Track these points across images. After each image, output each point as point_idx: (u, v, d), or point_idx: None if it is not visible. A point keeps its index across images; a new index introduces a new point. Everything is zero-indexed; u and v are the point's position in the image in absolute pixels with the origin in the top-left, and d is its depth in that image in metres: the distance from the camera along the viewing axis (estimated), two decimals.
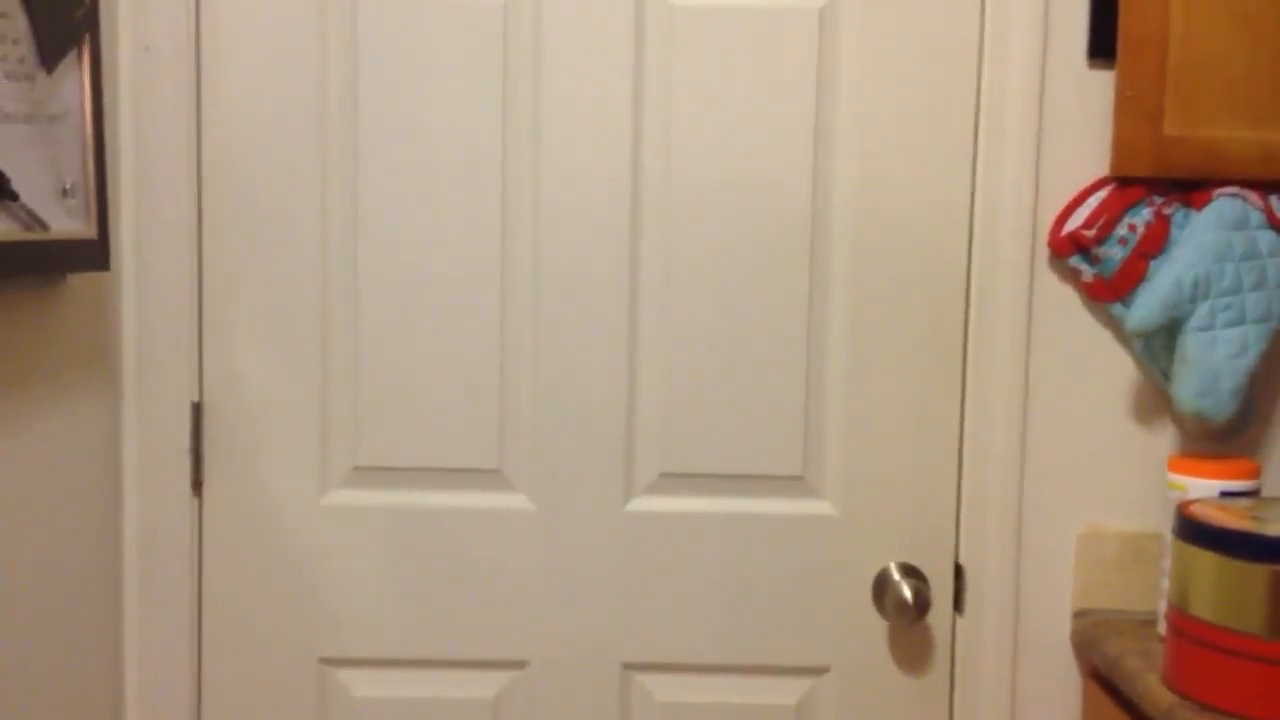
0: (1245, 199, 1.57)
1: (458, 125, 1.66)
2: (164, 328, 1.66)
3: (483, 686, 1.73)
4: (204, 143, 1.66)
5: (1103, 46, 1.62)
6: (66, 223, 1.40)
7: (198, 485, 1.70)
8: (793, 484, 1.71)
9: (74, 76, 1.42)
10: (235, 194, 1.66)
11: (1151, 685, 1.42)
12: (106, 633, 1.65)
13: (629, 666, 1.73)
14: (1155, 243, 1.59)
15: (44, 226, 1.35)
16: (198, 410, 1.69)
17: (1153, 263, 1.60)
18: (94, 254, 1.47)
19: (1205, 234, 1.56)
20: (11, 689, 1.40)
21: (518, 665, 1.73)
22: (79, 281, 1.55)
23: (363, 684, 1.73)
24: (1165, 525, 1.52)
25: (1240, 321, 1.55)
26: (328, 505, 1.70)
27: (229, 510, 1.70)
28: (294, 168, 1.66)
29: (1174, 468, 1.54)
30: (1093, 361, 1.67)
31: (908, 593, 1.66)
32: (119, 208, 1.63)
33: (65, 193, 1.39)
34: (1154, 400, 1.67)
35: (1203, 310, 1.55)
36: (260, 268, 1.67)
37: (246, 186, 1.66)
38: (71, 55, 1.41)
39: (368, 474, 1.70)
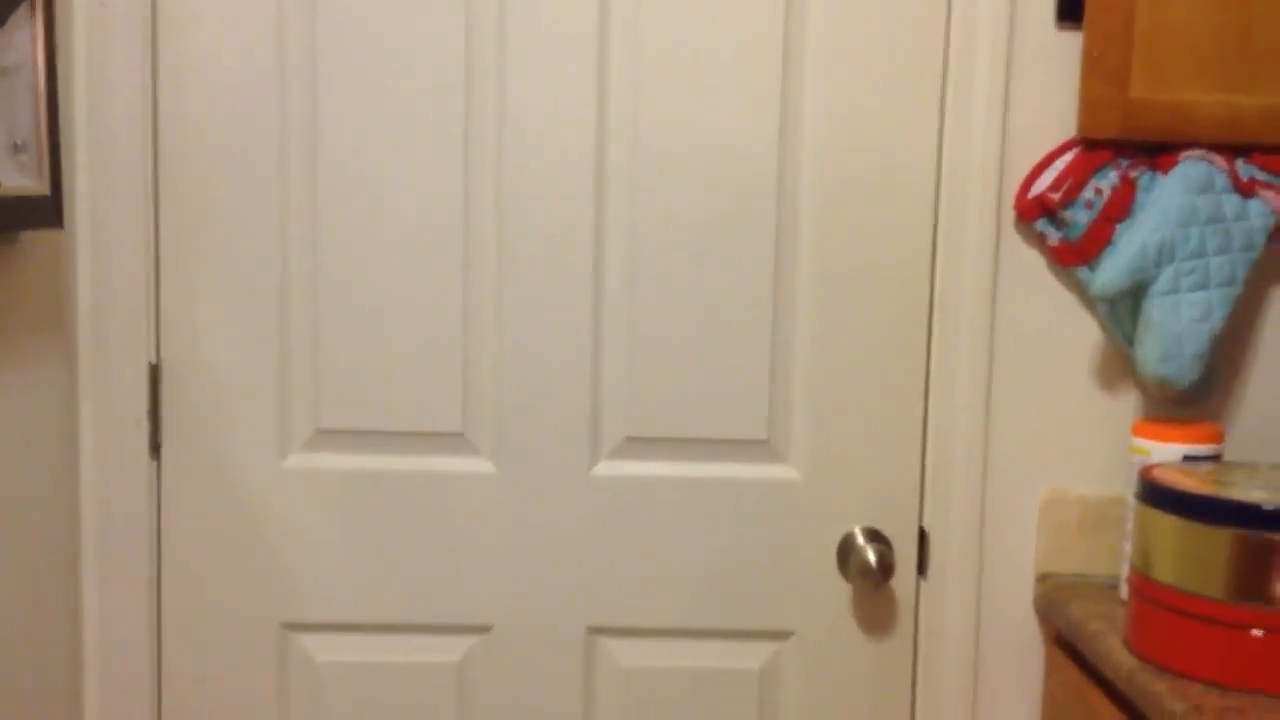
0: (1211, 162, 1.57)
1: (420, 89, 1.64)
2: (120, 288, 1.63)
3: (447, 651, 1.72)
4: (160, 98, 1.63)
5: (1070, 8, 1.61)
6: (18, 179, 1.37)
7: (156, 448, 1.68)
8: (758, 448, 1.70)
9: (26, 31, 1.39)
10: (192, 152, 1.64)
11: (1114, 648, 1.43)
12: (64, 598, 1.63)
13: (594, 631, 1.72)
14: (1121, 206, 1.59)
15: None
16: (155, 372, 1.66)
17: (1118, 226, 1.60)
18: (47, 212, 1.44)
19: (1171, 198, 1.55)
20: None
21: (482, 629, 1.72)
22: (32, 240, 1.52)
23: (325, 649, 1.72)
24: (1128, 490, 1.53)
25: (1204, 286, 1.55)
26: (289, 469, 1.69)
27: (188, 474, 1.68)
28: (252, 125, 1.64)
29: (1137, 432, 1.55)
30: (1057, 326, 1.67)
31: (872, 557, 1.66)
32: (73, 165, 1.61)
33: (17, 148, 1.37)
34: (1118, 365, 1.68)
35: (1167, 274, 1.55)
36: (218, 227, 1.65)
37: (203, 144, 1.64)
38: (24, 9, 1.38)
39: (329, 437, 1.69)
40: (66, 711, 1.65)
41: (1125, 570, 1.54)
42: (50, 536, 1.59)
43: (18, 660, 1.51)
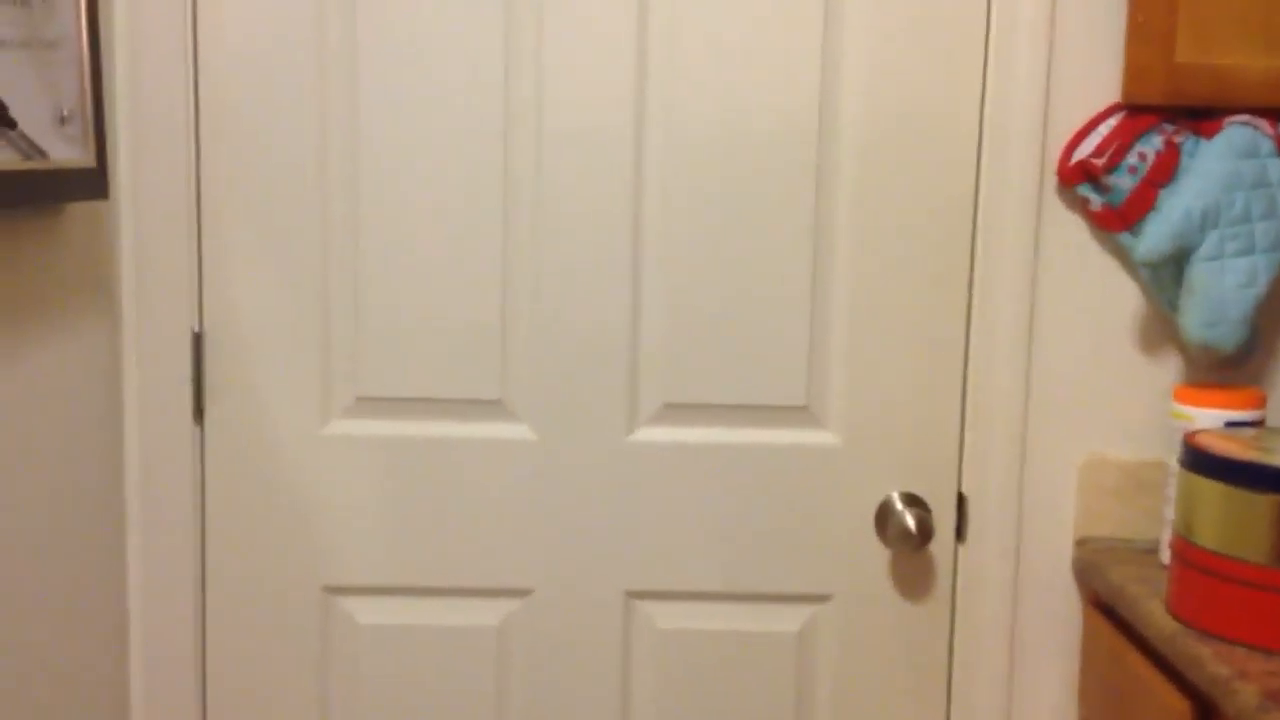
0: (1256, 127, 1.56)
1: (459, 52, 1.63)
2: (163, 256, 1.64)
3: (487, 614, 1.74)
4: (200, 67, 1.63)
5: None
6: (65, 151, 1.38)
7: (199, 414, 1.69)
8: (796, 414, 1.70)
9: (69, 1, 1.38)
10: (232, 120, 1.64)
11: (1154, 612, 1.44)
12: (109, 561, 1.65)
13: (632, 594, 1.74)
14: (1165, 171, 1.58)
15: (42, 155, 1.33)
16: (198, 339, 1.67)
17: (1162, 191, 1.59)
18: (93, 183, 1.45)
19: (1215, 162, 1.55)
20: (15, 618, 1.40)
21: (522, 593, 1.73)
22: (77, 210, 1.53)
23: (367, 612, 1.73)
24: (1167, 454, 1.53)
25: (1249, 251, 1.54)
26: (330, 435, 1.70)
27: (231, 439, 1.69)
28: (291, 92, 1.64)
29: (1179, 398, 1.55)
30: (1099, 291, 1.66)
31: (911, 521, 1.66)
32: (115, 135, 1.61)
33: (63, 120, 1.37)
34: (1159, 330, 1.67)
35: (1212, 239, 1.54)
36: (259, 195, 1.65)
37: (243, 112, 1.64)
38: None
39: (370, 404, 1.70)
40: (111, 674, 1.67)
41: (1166, 535, 1.55)
42: (96, 500, 1.60)
43: (64, 624, 1.53)
